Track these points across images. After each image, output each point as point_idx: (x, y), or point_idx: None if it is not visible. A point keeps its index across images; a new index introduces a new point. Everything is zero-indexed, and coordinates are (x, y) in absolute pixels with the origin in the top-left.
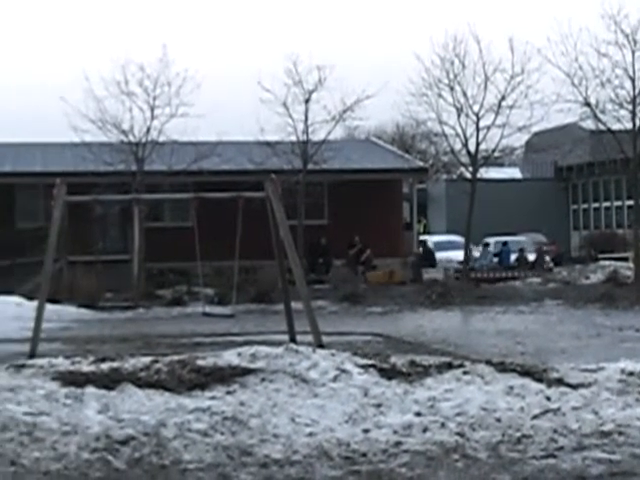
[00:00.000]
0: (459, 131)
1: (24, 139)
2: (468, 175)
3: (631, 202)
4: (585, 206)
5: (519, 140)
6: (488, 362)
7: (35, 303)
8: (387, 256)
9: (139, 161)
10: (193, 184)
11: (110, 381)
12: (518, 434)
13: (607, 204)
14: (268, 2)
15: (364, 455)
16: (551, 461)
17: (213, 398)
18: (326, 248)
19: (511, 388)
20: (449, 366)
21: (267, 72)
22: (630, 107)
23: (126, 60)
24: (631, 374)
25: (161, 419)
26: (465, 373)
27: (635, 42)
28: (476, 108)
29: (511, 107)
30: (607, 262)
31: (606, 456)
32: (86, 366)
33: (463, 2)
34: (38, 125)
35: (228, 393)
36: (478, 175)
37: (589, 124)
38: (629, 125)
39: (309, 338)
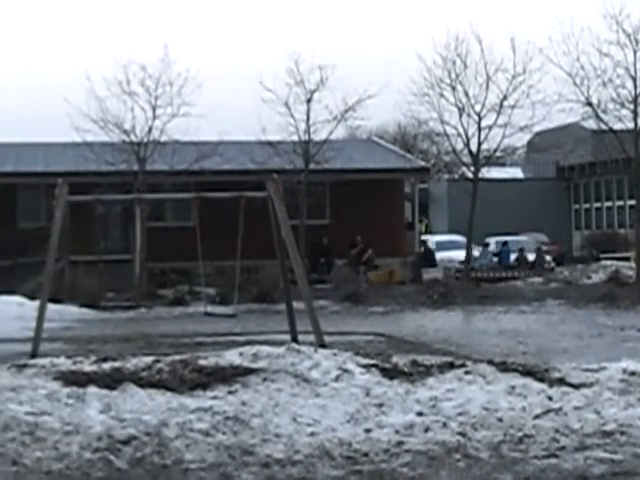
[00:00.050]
0: (461, 131)
1: (25, 139)
2: (470, 175)
3: (633, 202)
4: (587, 206)
5: (521, 140)
6: (490, 362)
7: (37, 303)
8: (389, 256)
9: (141, 161)
10: (195, 184)
11: (112, 381)
12: (520, 434)
13: (609, 204)
14: (270, 2)
15: (366, 455)
16: (553, 461)
17: (215, 398)
18: (328, 248)
19: (513, 388)
20: (451, 366)
21: (269, 72)
22: (632, 107)
23: (128, 60)
24: (633, 374)
25: (163, 419)
26: (467, 373)
27: (637, 42)
28: (478, 108)
29: (513, 107)
30: (609, 262)
31: (608, 456)
32: (88, 366)
33: (465, 2)
34: (39, 125)
35: (230, 393)
36: (480, 175)
37: (591, 124)
38: (631, 125)
39: (311, 338)
